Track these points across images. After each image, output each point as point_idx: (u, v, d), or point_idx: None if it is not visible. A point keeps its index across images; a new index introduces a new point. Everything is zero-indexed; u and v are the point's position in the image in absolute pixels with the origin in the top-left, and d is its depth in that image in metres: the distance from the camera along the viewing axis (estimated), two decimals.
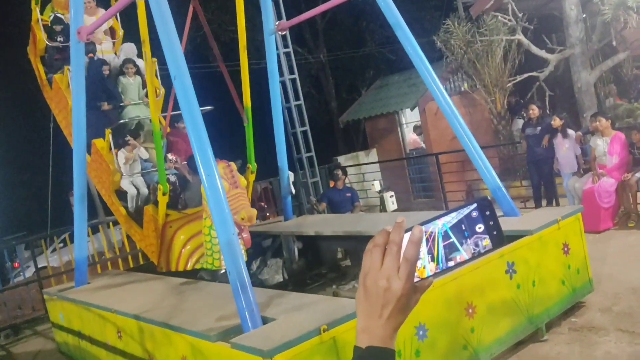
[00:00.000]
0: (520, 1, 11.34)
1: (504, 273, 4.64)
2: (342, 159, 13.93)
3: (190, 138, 4.11)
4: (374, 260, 0.95)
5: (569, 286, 5.15)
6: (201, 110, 4.24)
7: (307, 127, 10.23)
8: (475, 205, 0.95)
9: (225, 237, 3.91)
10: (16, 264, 14.94)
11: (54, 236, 10.66)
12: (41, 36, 7.85)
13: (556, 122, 8.27)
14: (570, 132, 8.35)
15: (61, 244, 11.38)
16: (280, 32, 7.60)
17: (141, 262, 8.56)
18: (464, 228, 0.95)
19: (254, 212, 5.43)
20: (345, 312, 3.60)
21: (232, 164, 5.64)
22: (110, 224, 10.07)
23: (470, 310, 4.32)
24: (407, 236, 0.94)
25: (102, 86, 7.41)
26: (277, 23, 7.46)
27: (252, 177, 7.36)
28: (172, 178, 7.02)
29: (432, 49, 13.00)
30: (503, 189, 5.68)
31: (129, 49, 8.00)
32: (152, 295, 5.43)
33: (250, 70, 6.91)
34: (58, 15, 7.86)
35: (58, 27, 7.81)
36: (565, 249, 5.16)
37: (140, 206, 7.02)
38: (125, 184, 7.08)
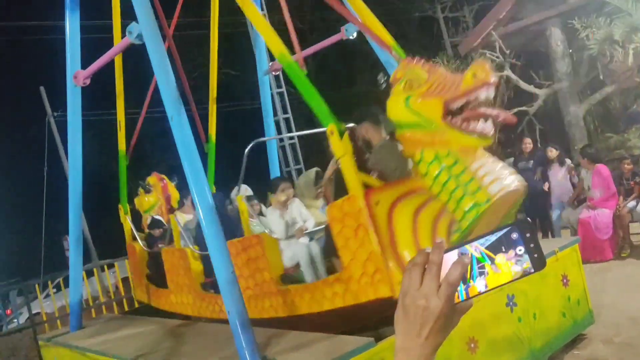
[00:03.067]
0: (507, 39, 11.62)
1: (505, 306, 4.61)
2: None
3: (187, 176, 4.12)
4: (413, 279, 0.95)
5: (570, 318, 5.12)
6: None
7: (302, 165, 10.30)
8: (514, 226, 0.94)
9: (225, 275, 3.89)
10: (8, 311, 14.70)
11: (48, 281, 10.53)
12: (141, 249, 6.86)
13: (552, 152, 8.38)
14: (567, 160, 8.47)
15: (55, 289, 11.24)
16: (273, 73, 7.73)
17: (136, 306, 8.45)
18: (503, 249, 0.94)
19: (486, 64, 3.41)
20: (347, 349, 3.55)
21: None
22: (105, 267, 9.98)
23: (473, 345, 4.27)
24: (446, 257, 0.95)
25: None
26: (270, 64, 7.58)
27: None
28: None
29: None
30: None
31: (246, 188, 6.24)
32: (148, 338, 5.34)
33: (245, 110, 7.02)
34: (156, 217, 6.93)
35: (157, 230, 6.70)
36: (564, 281, 5.15)
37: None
38: (290, 255, 4.90)
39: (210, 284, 5.40)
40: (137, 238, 6.80)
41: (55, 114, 16.98)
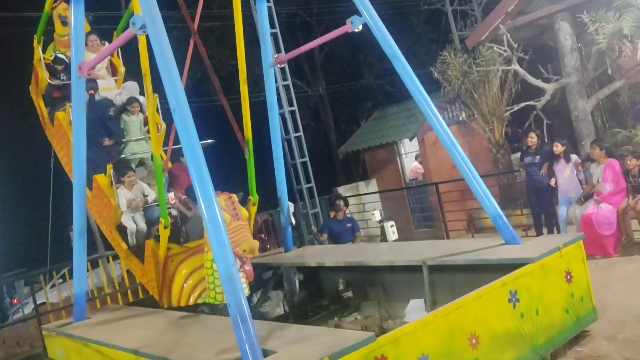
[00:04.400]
0: (515, 32, 11.52)
1: (507, 302, 4.59)
2: (342, 190, 13.94)
3: (190, 170, 4.12)
4: None
5: (573, 314, 5.09)
6: (202, 143, 4.25)
7: (307, 159, 10.27)
8: None
9: (225, 268, 3.88)
10: (15, 301, 14.82)
11: (53, 272, 10.59)
12: (43, 75, 7.91)
13: (558, 148, 8.31)
14: (573, 156, 8.40)
15: (60, 280, 11.30)
16: (279, 65, 7.70)
17: (141, 297, 8.49)
18: None
19: (256, 243, 5.34)
20: (347, 343, 3.55)
21: (234, 195, 5.60)
22: (110, 258, 10.02)
23: (474, 341, 4.26)
24: None
25: (104, 123, 7.45)
26: (275, 56, 7.56)
27: (254, 209, 7.28)
28: (174, 212, 6.99)
29: (430, 80, 13.16)
30: (504, 217, 5.66)
31: (132, 87, 7.96)
32: (151, 329, 5.36)
33: (250, 103, 6.96)
34: (60, 55, 7.92)
35: (60, 67, 7.87)
36: (568, 277, 5.12)
37: (141, 241, 6.98)
38: (126, 220, 7.05)
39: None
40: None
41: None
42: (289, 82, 10.20)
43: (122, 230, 7.18)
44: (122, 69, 8.50)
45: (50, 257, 14.90)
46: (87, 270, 7.72)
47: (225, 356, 3.92)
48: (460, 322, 4.21)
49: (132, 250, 7.10)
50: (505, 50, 11.41)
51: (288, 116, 10.08)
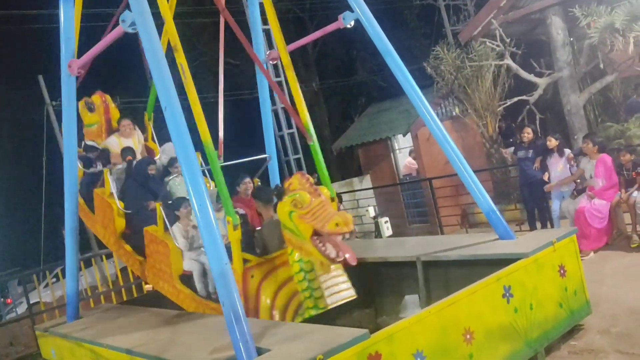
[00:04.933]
0: (508, 27, 11.51)
1: (501, 297, 4.59)
2: (336, 186, 13.92)
3: (182, 168, 4.10)
4: None
5: (567, 309, 5.10)
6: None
7: (300, 155, 10.28)
8: None
9: (219, 267, 3.87)
10: (8, 300, 14.75)
11: (47, 271, 10.53)
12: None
13: (552, 142, 8.31)
14: (566, 150, 8.41)
15: (54, 279, 11.25)
16: (271, 62, 7.67)
17: (135, 296, 8.46)
18: None
19: (349, 216, 4.65)
20: (341, 341, 3.54)
21: (308, 175, 5.21)
22: (104, 257, 9.98)
23: (468, 336, 4.26)
24: None
25: (146, 185, 6.78)
26: (268, 52, 7.53)
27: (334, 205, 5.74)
28: (241, 211, 5.91)
29: (423, 75, 13.15)
30: (497, 212, 5.67)
31: (171, 148, 7.12)
32: (145, 329, 5.34)
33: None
34: (89, 142, 7.56)
35: (94, 154, 7.44)
36: (562, 271, 5.13)
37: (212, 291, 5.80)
38: (188, 264, 5.97)
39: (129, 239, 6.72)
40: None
41: (54, 102, 16.91)
42: (282, 78, 10.19)
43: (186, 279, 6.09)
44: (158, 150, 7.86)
45: (43, 256, 14.85)
46: (81, 269, 7.70)
47: (219, 355, 3.91)
48: (454, 318, 4.21)
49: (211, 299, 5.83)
50: (497, 45, 11.40)
51: (281, 113, 10.05)
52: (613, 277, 6.52)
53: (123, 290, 9.21)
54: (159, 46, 4.14)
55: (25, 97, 21.81)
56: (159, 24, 4.40)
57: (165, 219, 6.04)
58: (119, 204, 6.63)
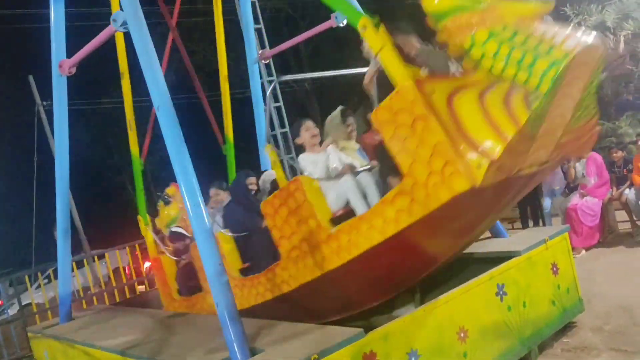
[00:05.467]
0: None
1: (495, 295, 4.61)
2: None
3: (175, 168, 4.07)
4: None
5: (560, 306, 5.13)
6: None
7: (293, 154, 10.25)
8: None
9: (213, 268, 3.85)
10: (0, 302, 14.64)
11: (38, 272, 10.47)
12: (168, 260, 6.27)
13: None
14: None
15: (46, 280, 11.18)
16: (263, 61, 7.66)
17: (127, 296, 8.43)
18: None
19: None
20: (336, 340, 3.53)
21: None
22: (96, 257, 9.93)
23: (462, 334, 4.27)
24: None
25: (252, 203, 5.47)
26: (260, 52, 7.52)
27: None
28: None
29: None
30: None
31: (271, 175, 5.74)
32: (138, 330, 5.31)
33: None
34: (175, 230, 6.41)
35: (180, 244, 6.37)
36: (554, 269, 5.16)
37: None
38: (335, 196, 4.27)
39: (250, 269, 5.05)
40: (165, 251, 5.99)
41: (45, 103, 16.81)
42: (274, 77, 10.17)
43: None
44: None
45: (35, 257, 14.75)
46: (73, 270, 7.66)
47: (213, 355, 3.89)
48: (448, 316, 4.22)
49: None
50: None
51: (274, 112, 10.04)
52: (605, 275, 6.55)
53: (116, 291, 9.17)
54: (151, 46, 4.11)
55: (16, 98, 21.69)
56: (150, 23, 4.38)
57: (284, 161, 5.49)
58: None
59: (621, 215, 7.99)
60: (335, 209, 4.19)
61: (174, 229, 6.09)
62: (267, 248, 4.60)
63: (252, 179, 5.54)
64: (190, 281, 5.70)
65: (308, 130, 4.64)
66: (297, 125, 4.76)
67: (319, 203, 4.12)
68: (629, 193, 7.64)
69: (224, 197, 5.74)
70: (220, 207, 5.68)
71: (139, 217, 6.21)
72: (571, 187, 8.27)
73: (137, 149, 6.23)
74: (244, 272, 5.07)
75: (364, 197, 4.12)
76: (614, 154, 8.05)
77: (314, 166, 4.40)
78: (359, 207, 4.03)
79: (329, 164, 4.36)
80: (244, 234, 5.05)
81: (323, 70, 24.78)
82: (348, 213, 4.15)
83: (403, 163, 3.38)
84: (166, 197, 6.34)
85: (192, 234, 5.52)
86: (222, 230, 5.17)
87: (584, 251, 7.61)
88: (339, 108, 4.84)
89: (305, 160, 4.53)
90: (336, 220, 4.08)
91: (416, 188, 3.33)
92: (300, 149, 4.72)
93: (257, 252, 4.92)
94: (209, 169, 9.11)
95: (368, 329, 3.75)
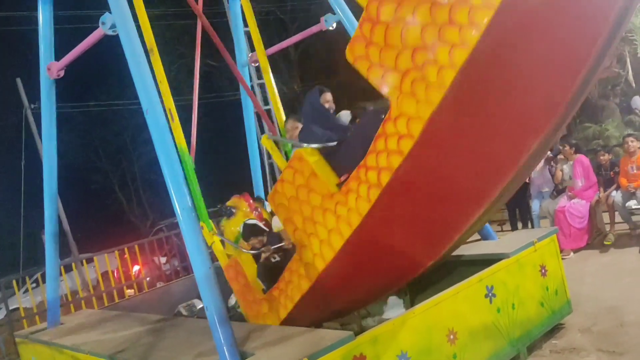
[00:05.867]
0: None
1: (484, 297, 4.63)
2: None
3: (164, 172, 4.06)
4: None
5: (548, 308, 5.16)
6: None
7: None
8: None
9: (202, 271, 3.85)
10: None
11: (26, 276, 10.37)
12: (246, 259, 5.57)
13: None
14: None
15: (33, 285, 11.08)
16: (253, 64, 7.65)
17: (116, 301, 8.37)
18: None
19: None
20: (326, 343, 3.54)
21: None
22: (84, 261, 9.86)
23: (452, 336, 4.29)
24: None
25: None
26: (249, 55, 7.51)
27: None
28: None
29: None
30: None
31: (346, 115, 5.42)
32: (127, 334, 5.28)
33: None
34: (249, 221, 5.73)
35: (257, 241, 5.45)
36: (543, 271, 5.19)
37: None
38: None
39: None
40: (242, 249, 5.25)
41: (33, 106, 16.69)
42: (264, 80, 10.15)
43: None
44: None
45: (22, 261, 14.62)
46: (61, 274, 7.60)
47: (203, 359, 3.88)
48: (438, 319, 4.23)
49: None
50: None
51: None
52: (593, 277, 6.60)
53: (104, 295, 9.11)
54: (140, 49, 4.10)
55: (3, 100, 21.51)
56: (138, 25, 4.37)
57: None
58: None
59: (607, 217, 8.06)
60: None
61: (249, 222, 5.53)
62: (361, 153, 3.96)
63: (328, 95, 5.01)
64: (276, 273, 5.01)
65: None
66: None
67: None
68: (616, 195, 7.72)
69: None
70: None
71: (202, 224, 5.21)
72: (559, 190, 8.33)
73: (184, 143, 5.03)
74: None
75: None
76: (601, 157, 8.13)
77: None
78: None
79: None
80: (331, 144, 4.39)
81: (313, 73, 24.88)
82: None
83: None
84: (228, 209, 5.80)
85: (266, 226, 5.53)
86: (303, 145, 4.46)
87: (572, 253, 7.66)
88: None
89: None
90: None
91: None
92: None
93: (352, 159, 4.13)
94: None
95: (358, 330, 3.76)
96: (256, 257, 5.25)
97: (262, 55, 6.41)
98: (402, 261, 4.38)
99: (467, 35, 3.05)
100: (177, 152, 4.53)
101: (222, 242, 5.53)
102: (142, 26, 4.62)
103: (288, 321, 4.63)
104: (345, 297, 4.66)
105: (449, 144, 3.53)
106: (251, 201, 5.93)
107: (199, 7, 5.93)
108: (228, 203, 5.93)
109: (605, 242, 7.70)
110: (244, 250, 5.17)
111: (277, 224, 5.30)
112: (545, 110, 3.44)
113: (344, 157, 4.21)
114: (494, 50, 3.12)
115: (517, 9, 3.03)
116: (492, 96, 3.35)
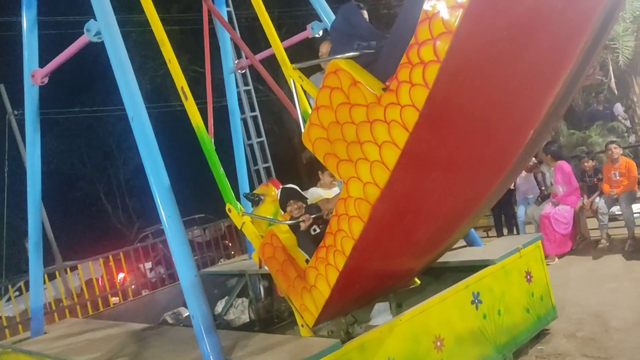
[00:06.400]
0: None
1: (470, 304, 4.65)
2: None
3: (150, 178, 4.03)
4: None
5: (534, 314, 5.19)
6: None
7: (270, 164, 10.21)
8: None
9: (189, 278, 3.82)
10: None
11: (9, 285, 10.24)
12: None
13: None
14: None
15: (17, 293, 10.93)
16: (240, 71, 7.65)
17: (101, 309, 8.28)
18: None
19: None
20: (313, 351, 3.53)
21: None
22: (68, 269, 9.75)
23: (439, 343, 4.30)
24: None
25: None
26: (236, 62, 7.51)
27: None
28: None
29: None
30: None
31: None
32: (112, 343, 5.22)
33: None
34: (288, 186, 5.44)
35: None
36: (528, 277, 5.23)
37: None
38: None
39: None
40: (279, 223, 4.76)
41: (16, 112, 16.51)
42: (251, 87, 10.14)
43: None
44: None
45: (5, 269, 14.44)
46: (45, 282, 7.50)
47: None
48: (425, 325, 4.24)
49: None
50: None
51: (250, 121, 10.00)
52: (578, 282, 6.66)
53: (89, 303, 9.01)
54: (125, 56, 4.08)
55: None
56: (123, 31, 4.34)
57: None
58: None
59: (593, 223, 8.15)
60: None
61: (288, 185, 5.14)
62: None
63: (365, 14, 4.33)
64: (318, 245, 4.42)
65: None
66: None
67: None
68: (599, 201, 7.80)
69: None
70: None
71: (228, 206, 4.79)
72: (544, 196, 8.41)
73: (201, 122, 4.62)
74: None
75: None
76: (585, 164, 8.22)
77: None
78: None
79: None
80: (369, 51, 3.90)
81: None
82: None
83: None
84: (257, 197, 5.42)
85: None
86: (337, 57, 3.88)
87: (557, 259, 7.73)
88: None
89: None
90: None
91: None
92: None
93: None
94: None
95: (345, 337, 3.75)
96: (294, 230, 4.69)
97: (279, 49, 5.88)
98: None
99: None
100: (195, 131, 4.48)
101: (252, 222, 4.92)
102: (149, 19, 4.52)
103: (337, 292, 3.86)
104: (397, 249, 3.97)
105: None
106: (273, 181, 5.59)
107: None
108: (255, 191, 5.60)
109: (599, 247, 7.77)
110: (282, 222, 4.68)
111: (313, 193, 5.13)
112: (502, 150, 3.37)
113: (387, 63, 3.58)
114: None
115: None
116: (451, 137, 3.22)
